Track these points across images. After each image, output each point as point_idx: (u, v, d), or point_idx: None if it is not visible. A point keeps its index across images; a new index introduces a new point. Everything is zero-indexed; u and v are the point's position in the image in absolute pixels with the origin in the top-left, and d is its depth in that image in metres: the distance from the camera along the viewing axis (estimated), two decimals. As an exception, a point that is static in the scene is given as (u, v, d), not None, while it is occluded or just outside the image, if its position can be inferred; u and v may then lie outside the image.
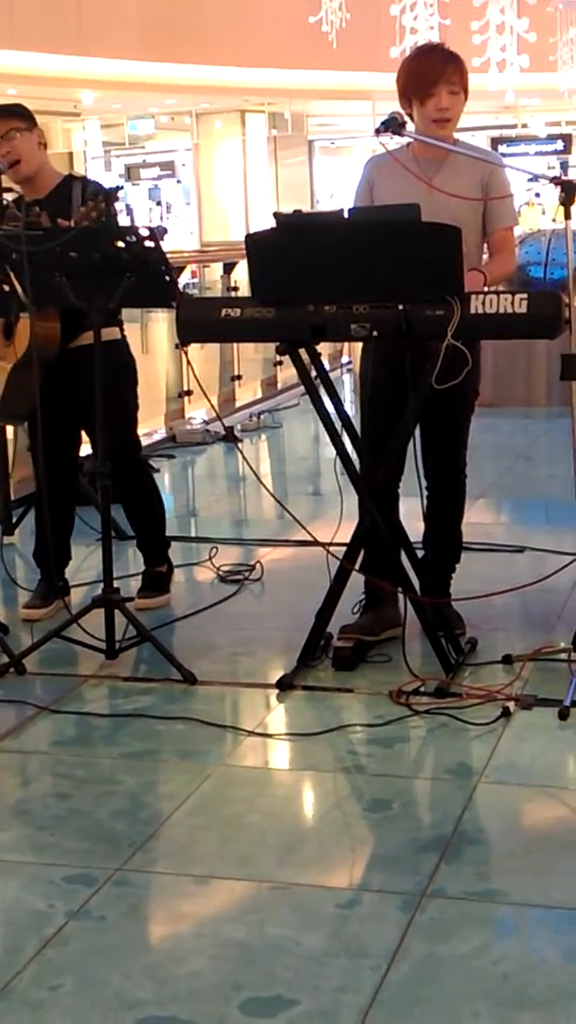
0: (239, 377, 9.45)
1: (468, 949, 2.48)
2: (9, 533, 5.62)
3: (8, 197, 4.29)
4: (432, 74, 3.87)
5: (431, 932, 2.55)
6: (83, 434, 4.55)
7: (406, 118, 3.88)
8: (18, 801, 3.22)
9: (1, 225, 3.99)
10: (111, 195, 3.97)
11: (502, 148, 22.02)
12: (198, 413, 8.43)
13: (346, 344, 9.74)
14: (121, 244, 3.79)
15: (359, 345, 4.21)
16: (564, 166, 21.74)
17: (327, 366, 4.15)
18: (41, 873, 2.82)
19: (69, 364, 4.23)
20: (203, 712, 3.64)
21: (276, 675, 3.86)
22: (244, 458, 7.02)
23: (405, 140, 3.92)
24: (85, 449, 4.73)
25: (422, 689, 3.71)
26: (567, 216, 3.76)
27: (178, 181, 24.16)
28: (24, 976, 2.45)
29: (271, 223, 3.80)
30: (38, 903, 2.70)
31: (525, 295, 3.58)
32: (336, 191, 23.96)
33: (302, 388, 4.47)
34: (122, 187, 4.17)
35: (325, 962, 2.46)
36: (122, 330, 4.46)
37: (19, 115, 4.29)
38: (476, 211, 3.92)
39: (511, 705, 3.57)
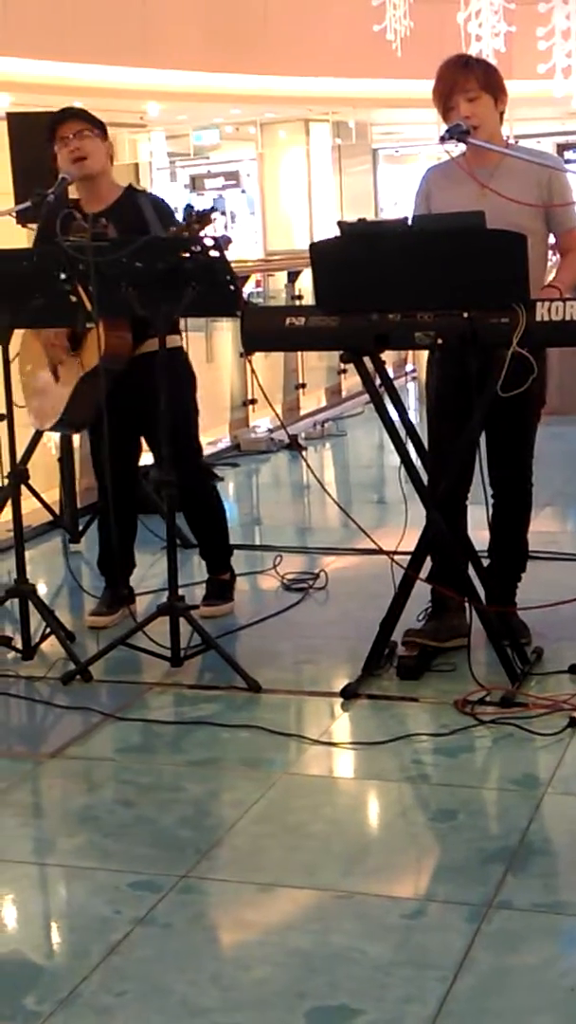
0: (303, 385, 9.46)
1: (535, 961, 2.46)
2: (75, 541, 5.67)
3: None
4: (447, 88, 3.88)
5: (498, 943, 2.53)
6: (143, 442, 4.59)
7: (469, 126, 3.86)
8: (84, 807, 3.24)
9: (68, 236, 4.02)
10: (205, 217, 3.99)
11: (568, 154, 21.88)
12: (262, 421, 8.45)
13: (410, 352, 9.73)
14: (186, 254, 3.82)
15: (424, 353, 4.21)
16: (631, 172, 21.54)
17: (391, 374, 4.14)
18: (107, 879, 2.84)
19: (132, 372, 4.25)
20: (267, 720, 3.65)
21: (340, 684, 3.85)
22: (308, 466, 7.03)
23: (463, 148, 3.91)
24: (145, 458, 4.76)
25: (487, 699, 3.68)
26: None
27: (242, 191, 24.24)
28: (91, 982, 2.46)
29: (335, 232, 3.80)
30: (104, 909, 2.72)
31: (592, 302, 3.55)
32: (400, 199, 23.90)
33: (366, 396, 4.47)
34: (216, 208, 4.18)
35: (391, 972, 2.45)
36: (183, 338, 4.49)
37: (93, 122, 4.38)
38: (535, 216, 3.89)
39: (578, 715, 3.54)
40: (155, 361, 4.02)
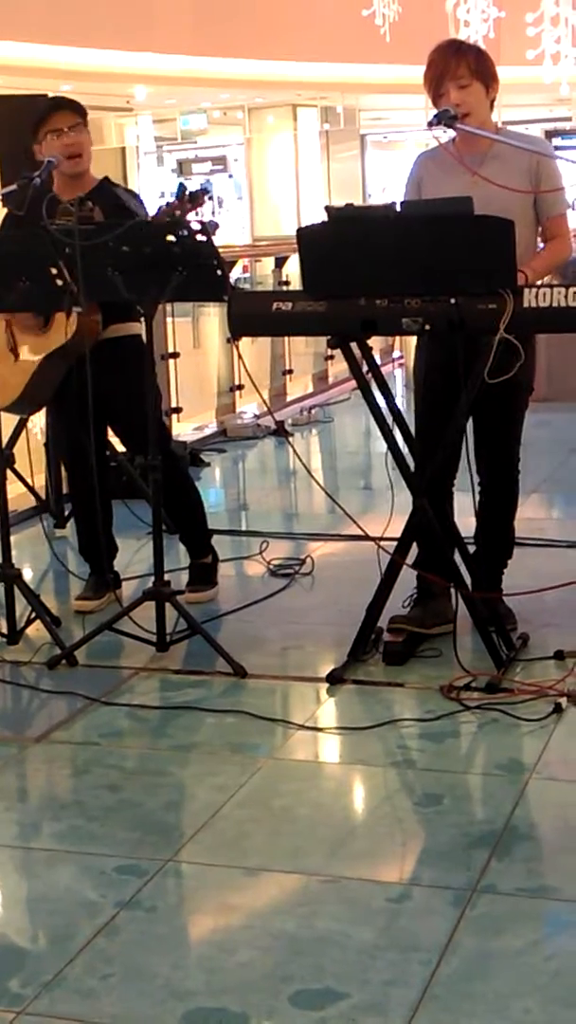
0: (290, 371, 9.45)
1: (519, 945, 2.47)
2: (61, 526, 5.67)
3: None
4: (438, 74, 3.86)
5: (482, 927, 2.54)
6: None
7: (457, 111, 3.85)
8: (69, 792, 3.24)
9: (54, 220, 4.00)
10: (198, 198, 3.96)
11: (556, 141, 21.78)
12: (249, 407, 8.44)
13: (397, 338, 9.72)
14: (173, 238, 3.80)
15: (411, 339, 4.20)
16: (619, 159, 21.50)
17: (378, 360, 4.14)
18: (92, 863, 2.84)
19: (94, 357, 4.23)
20: (253, 705, 3.65)
21: (326, 669, 3.86)
22: (295, 452, 7.02)
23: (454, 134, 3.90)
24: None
25: (473, 684, 3.69)
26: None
27: (230, 176, 24.16)
28: (75, 965, 2.46)
29: (323, 217, 3.79)
30: (89, 893, 2.72)
31: (579, 288, 3.55)
32: (388, 185, 23.85)
33: (353, 382, 4.47)
34: (206, 190, 4.15)
35: (375, 955, 2.46)
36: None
37: (82, 113, 4.39)
38: (525, 202, 3.88)
39: (563, 701, 3.55)
40: (118, 347, 4.01)
